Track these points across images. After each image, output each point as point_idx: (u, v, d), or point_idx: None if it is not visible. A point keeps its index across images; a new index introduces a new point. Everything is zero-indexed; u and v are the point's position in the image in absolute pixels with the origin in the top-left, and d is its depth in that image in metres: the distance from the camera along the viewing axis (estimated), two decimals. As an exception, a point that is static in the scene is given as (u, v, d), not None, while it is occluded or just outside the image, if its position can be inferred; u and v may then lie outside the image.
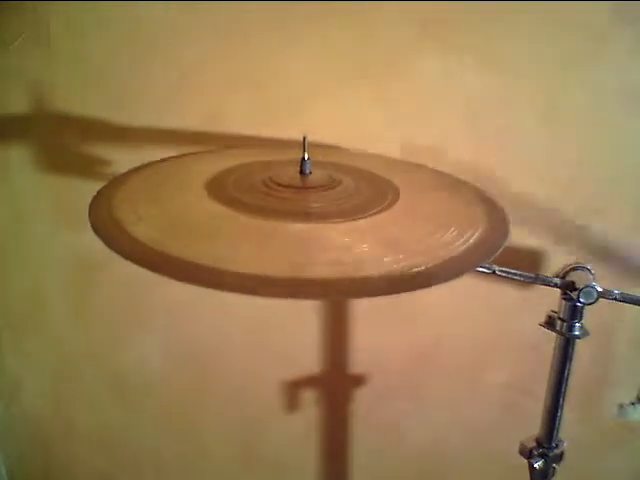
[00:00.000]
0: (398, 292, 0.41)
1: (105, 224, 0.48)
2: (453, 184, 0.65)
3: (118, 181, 0.57)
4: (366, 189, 0.58)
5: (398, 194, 0.57)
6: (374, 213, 0.52)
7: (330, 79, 0.79)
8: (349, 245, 0.46)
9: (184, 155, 0.70)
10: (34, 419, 1.09)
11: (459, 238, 0.49)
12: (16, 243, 0.95)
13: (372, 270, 0.42)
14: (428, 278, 0.43)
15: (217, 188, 0.55)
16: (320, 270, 0.42)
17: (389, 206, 0.54)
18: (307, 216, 0.51)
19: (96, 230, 0.46)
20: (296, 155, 0.57)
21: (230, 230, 0.48)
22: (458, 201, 0.61)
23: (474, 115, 0.79)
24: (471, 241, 0.49)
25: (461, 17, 0.74)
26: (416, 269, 0.43)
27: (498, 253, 0.48)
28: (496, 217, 0.56)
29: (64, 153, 0.88)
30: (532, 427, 0.69)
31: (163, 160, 0.66)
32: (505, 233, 0.52)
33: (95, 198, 0.53)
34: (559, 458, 0.69)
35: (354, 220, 0.50)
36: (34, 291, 0.99)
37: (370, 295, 0.42)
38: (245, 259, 0.43)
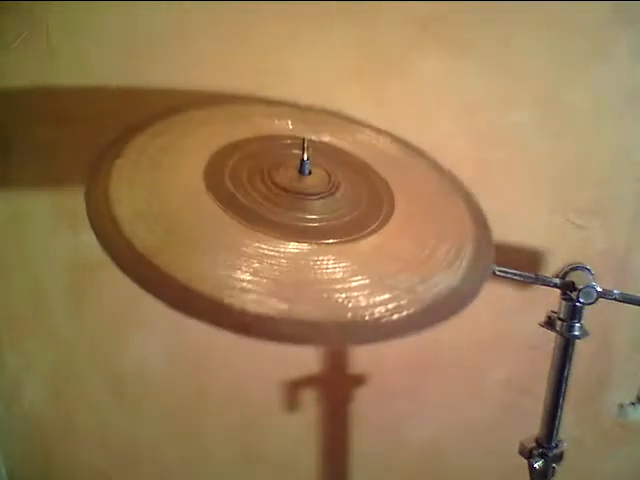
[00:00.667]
0: (389, 339, 0.41)
1: (104, 223, 0.46)
2: (447, 193, 0.65)
3: (115, 154, 0.55)
4: (363, 196, 0.57)
5: (393, 204, 0.57)
6: (369, 232, 0.51)
7: (330, 79, 0.79)
8: (343, 278, 0.45)
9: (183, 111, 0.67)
10: (34, 419, 1.09)
11: (447, 269, 0.49)
12: (16, 243, 0.95)
13: (361, 313, 0.42)
14: (416, 324, 0.43)
15: (215, 180, 0.53)
16: (310, 310, 0.42)
17: (384, 222, 0.53)
18: (303, 233, 0.50)
19: (95, 230, 0.45)
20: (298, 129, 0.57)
21: (228, 243, 0.47)
22: (449, 210, 0.60)
23: (474, 115, 0.79)
24: (459, 277, 0.49)
25: (461, 17, 0.74)
26: (402, 314, 0.42)
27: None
28: (483, 240, 0.56)
29: (64, 153, 0.88)
30: (532, 427, 0.69)
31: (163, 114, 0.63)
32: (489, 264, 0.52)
33: (92, 178, 0.51)
34: (559, 458, 0.69)
35: (350, 242, 0.49)
36: (34, 291, 0.98)
37: (360, 343, 0.42)
38: (237, 290, 0.42)
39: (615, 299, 0.61)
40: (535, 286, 0.63)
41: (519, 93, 0.78)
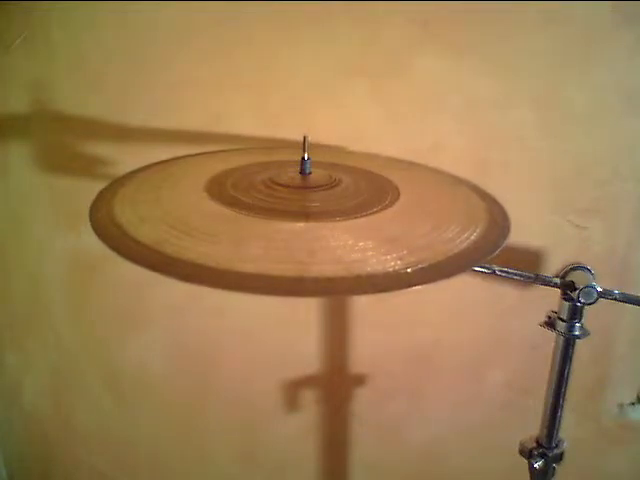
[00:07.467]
0: (402, 288, 0.41)
1: (106, 227, 0.47)
2: (452, 182, 0.65)
3: (118, 183, 0.57)
4: (366, 188, 0.58)
5: (398, 193, 0.57)
6: (376, 211, 0.52)
7: (330, 79, 0.79)
8: (351, 243, 0.46)
9: (184, 157, 0.70)
10: (34, 419, 1.09)
11: (461, 235, 0.49)
12: (16, 243, 0.95)
13: (375, 267, 0.42)
14: (431, 274, 0.43)
15: (217, 189, 0.55)
16: (324, 269, 0.42)
17: (390, 204, 0.54)
18: (308, 215, 0.52)
19: (98, 233, 0.46)
20: (296, 156, 0.57)
21: (232, 231, 0.48)
22: (458, 199, 0.61)
23: (474, 114, 0.79)
24: (473, 237, 0.49)
25: (461, 17, 0.74)
26: (420, 265, 0.43)
27: (501, 249, 0.48)
28: (496, 214, 0.56)
29: (64, 153, 0.88)
30: (532, 427, 0.69)
31: (162, 162, 0.66)
32: (506, 229, 0.52)
33: (95, 200, 0.53)
34: (559, 458, 0.69)
35: (356, 218, 0.50)
36: (34, 291, 0.99)
37: (374, 292, 0.42)
38: (249, 259, 0.43)
39: (615, 299, 0.61)
40: (535, 286, 0.63)
41: (519, 93, 0.78)
